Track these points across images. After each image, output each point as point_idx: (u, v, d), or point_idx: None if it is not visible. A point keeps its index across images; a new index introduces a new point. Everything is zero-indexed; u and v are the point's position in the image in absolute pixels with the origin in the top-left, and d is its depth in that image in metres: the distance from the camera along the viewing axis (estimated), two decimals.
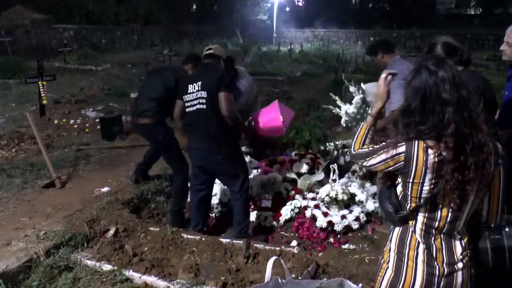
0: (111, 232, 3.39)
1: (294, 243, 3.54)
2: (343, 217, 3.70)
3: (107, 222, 3.49)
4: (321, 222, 3.65)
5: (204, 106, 3.22)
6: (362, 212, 3.76)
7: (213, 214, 4.03)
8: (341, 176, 4.08)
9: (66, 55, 14.01)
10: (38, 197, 4.05)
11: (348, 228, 3.69)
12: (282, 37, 27.05)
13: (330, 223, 3.65)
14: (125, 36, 21.50)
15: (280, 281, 2.22)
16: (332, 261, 3.08)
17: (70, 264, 3.00)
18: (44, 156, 4.50)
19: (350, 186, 3.97)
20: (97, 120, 6.87)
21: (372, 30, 26.71)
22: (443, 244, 1.56)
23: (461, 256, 1.56)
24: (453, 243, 1.57)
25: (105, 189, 4.25)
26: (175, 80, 3.79)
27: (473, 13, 30.59)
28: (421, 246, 1.56)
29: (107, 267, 2.93)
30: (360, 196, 3.86)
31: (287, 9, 32.65)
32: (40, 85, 7.08)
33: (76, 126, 6.77)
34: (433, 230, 1.55)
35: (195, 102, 3.26)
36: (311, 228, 3.72)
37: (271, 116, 3.70)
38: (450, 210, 1.50)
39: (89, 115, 7.45)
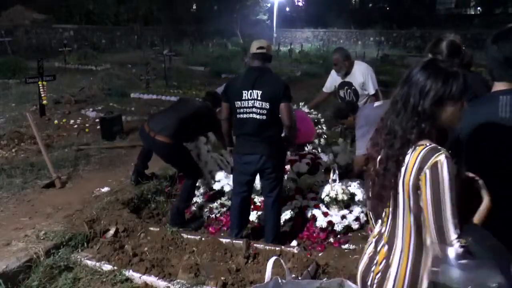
0: (111, 232, 3.39)
1: (294, 243, 3.54)
2: (343, 217, 3.70)
3: (107, 222, 3.49)
4: (321, 222, 3.65)
5: (264, 117, 3.19)
6: (362, 212, 3.75)
7: (213, 215, 4.03)
8: (341, 176, 4.07)
9: (66, 55, 14.00)
10: (38, 197, 4.04)
11: (348, 228, 3.69)
12: (282, 37, 27.04)
13: (330, 223, 3.65)
14: (125, 36, 21.50)
15: (280, 281, 2.22)
16: (332, 261, 3.08)
17: (70, 264, 2.99)
18: (44, 156, 4.49)
19: (350, 186, 3.97)
20: (97, 120, 6.86)
21: (372, 30, 26.73)
22: (372, 247, 1.59)
23: (374, 266, 1.54)
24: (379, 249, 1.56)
25: (105, 189, 4.25)
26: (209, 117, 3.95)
27: (473, 13, 30.65)
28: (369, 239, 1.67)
29: (107, 267, 2.93)
30: (360, 196, 3.86)
31: (287, 9, 32.67)
32: (40, 85, 7.07)
33: (76, 126, 6.77)
34: (382, 228, 1.58)
35: (251, 110, 3.21)
36: (311, 228, 3.72)
37: (304, 123, 3.86)
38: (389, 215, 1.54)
39: (89, 115, 7.45)
